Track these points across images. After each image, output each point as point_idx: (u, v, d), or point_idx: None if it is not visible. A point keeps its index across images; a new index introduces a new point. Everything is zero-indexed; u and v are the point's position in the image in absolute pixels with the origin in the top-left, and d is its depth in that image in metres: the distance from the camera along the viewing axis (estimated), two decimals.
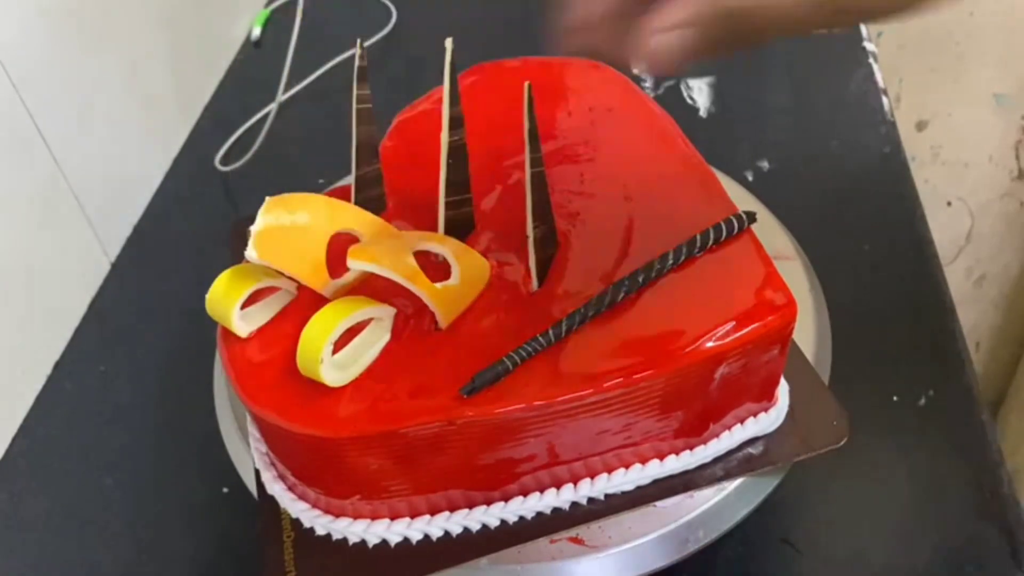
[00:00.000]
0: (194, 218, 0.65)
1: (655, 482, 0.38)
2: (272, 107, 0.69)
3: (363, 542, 0.36)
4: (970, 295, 1.23)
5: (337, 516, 0.37)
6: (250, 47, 0.80)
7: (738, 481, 0.39)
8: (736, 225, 0.38)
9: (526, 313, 0.37)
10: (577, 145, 0.45)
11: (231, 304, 0.35)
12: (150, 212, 0.64)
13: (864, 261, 0.56)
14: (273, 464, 0.39)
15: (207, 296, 0.36)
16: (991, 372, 1.27)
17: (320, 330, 0.33)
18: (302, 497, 0.37)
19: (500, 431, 0.34)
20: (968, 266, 1.21)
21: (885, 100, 0.69)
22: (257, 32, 0.80)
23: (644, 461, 0.38)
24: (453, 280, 0.36)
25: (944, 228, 1.16)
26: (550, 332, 0.34)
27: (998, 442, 0.46)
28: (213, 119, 0.72)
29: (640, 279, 0.36)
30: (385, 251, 0.35)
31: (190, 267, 0.61)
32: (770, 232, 0.52)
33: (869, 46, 0.75)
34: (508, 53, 0.51)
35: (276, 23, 0.81)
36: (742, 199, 0.55)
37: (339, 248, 0.36)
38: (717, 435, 0.38)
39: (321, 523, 0.37)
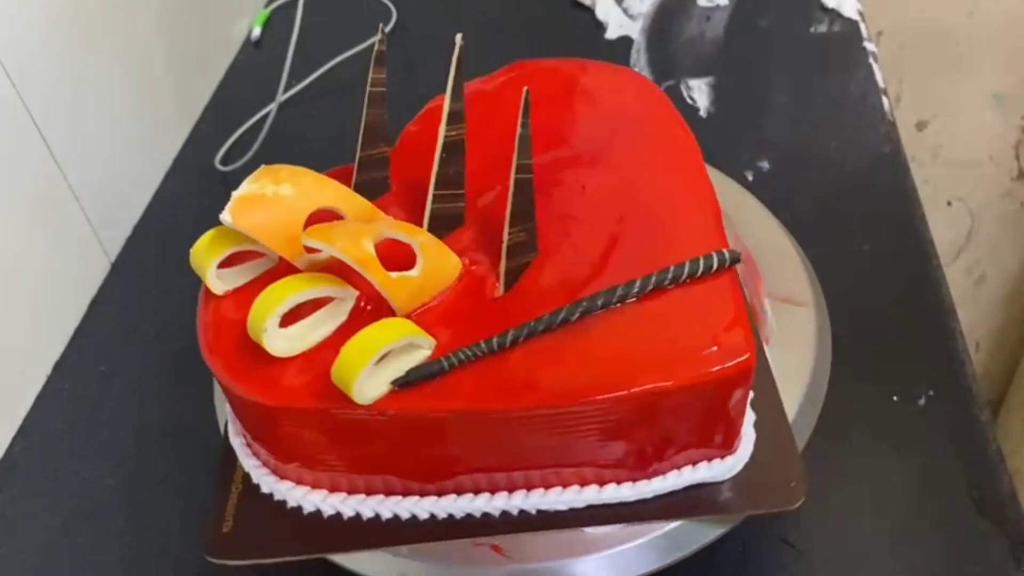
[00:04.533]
0: (194, 218, 0.64)
1: (591, 507, 0.37)
2: (272, 107, 0.69)
3: (300, 507, 0.38)
4: (970, 295, 1.23)
5: (281, 478, 0.38)
6: (250, 47, 0.80)
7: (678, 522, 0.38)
8: (716, 263, 0.36)
9: (484, 316, 0.36)
10: (589, 153, 0.44)
11: (209, 261, 0.37)
12: (150, 212, 0.64)
13: (864, 261, 0.56)
14: (233, 417, 0.40)
15: (191, 251, 0.37)
16: (991, 372, 1.27)
17: (271, 300, 0.34)
18: (255, 454, 0.39)
19: (430, 429, 0.34)
20: (968, 266, 1.21)
21: (885, 100, 0.69)
22: (257, 32, 0.80)
23: (583, 484, 0.37)
24: (414, 272, 0.36)
25: (944, 228, 1.16)
26: (494, 340, 0.34)
27: (998, 442, 0.46)
28: (213, 119, 0.72)
29: (599, 302, 0.35)
30: (343, 233, 0.35)
31: (190, 267, 0.60)
32: (770, 232, 0.52)
33: (869, 46, 0.75)
34: (508, 53, 0.51)
35: (276, 23, 0.81)
36: (742, 199, 0.55)
37: (318, 224, 0.36)
38: (662, 473, 0.37)
39: (266, 482, 0.38)
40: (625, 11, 0.81)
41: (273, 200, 0.36)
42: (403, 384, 0.33)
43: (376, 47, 0.40)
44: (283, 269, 0.37)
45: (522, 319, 0.35)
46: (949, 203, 1.17)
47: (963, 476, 0.44)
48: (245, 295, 0.37)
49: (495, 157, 0.39)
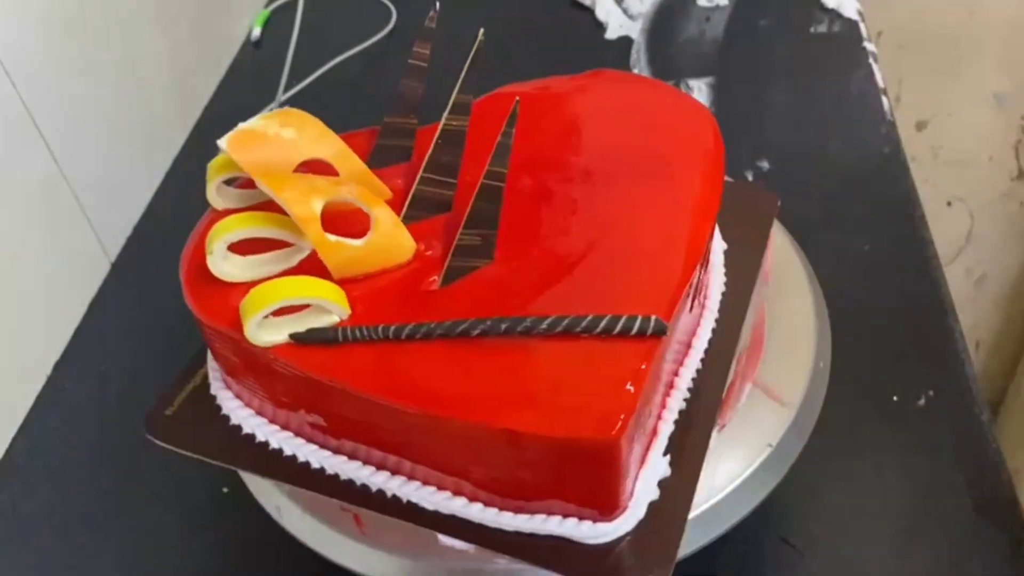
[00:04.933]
0: (194, 218, 0.65)
1: (454, 516, 0.36)
2: (272, 107, 0.69)
3: (228, 417, 0.40)
4: (970, 295, 1.23)
5: (225, 388, 0.41)
6: (250, 47, 0.80)
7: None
8: (637, 328, 0.34)
9: (407, 304, 0.37)
10: (604, 171, 0.42)
11: (215, 176, 0.39)
12: (150, 212, 0.64)
13: (864, 261, 0.56)
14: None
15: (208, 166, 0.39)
16: (991, 372, 1.27)
17: (226, 225, 0.36)
18: (217, 357, 0.41)
19: (316, 389, 0.35)
20: (968, 266, 1.21)
21: (885, 100, 0.69)
22: (257, 32, 0.80)
23: (455, 493, 0.36)
24: (357, 242, 0.36)
25: (944, 228, 1.16)
26: (392, 329, 0.35)
27: (998, 442, 0.46)
28: (213, 119, 0.72)
29: (502, 327, 0.34)
30: (296, 185, 0.36)
31: None
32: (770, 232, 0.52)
33: (869, 46, 0.75)
34: (508, 53, 0.51)
35: (276, 23, 0.81)
36: None
37: (311, 171, 0.38)
38: (524, 511, 0.36)
39: (215, 386, 0.41)
40: (625, 11, 0.81)
41: (273, 140, 0.38)
42: (298, 339, 0.35)
43: (426, 23, 0.41)
44: (273, 205, 0.39)
45: (438, 317, 0.35)
46: (949, 203, 1.17)
47: (963, 476, 0.44)
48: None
49: (522, 160, 0.38)
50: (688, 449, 0.38)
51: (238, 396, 0.41)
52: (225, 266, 0.37)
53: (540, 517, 0.36)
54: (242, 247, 0.37)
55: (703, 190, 0.42)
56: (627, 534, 0.35)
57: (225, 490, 0.46)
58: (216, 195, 0.40)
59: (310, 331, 0.35)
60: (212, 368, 0.42)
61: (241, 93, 0.74)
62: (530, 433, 0.32)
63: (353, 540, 0.39)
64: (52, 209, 0.54)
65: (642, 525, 0.36)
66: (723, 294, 0.44)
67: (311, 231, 0.35)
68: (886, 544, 0.42)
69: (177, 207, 0.65)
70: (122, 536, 0.46)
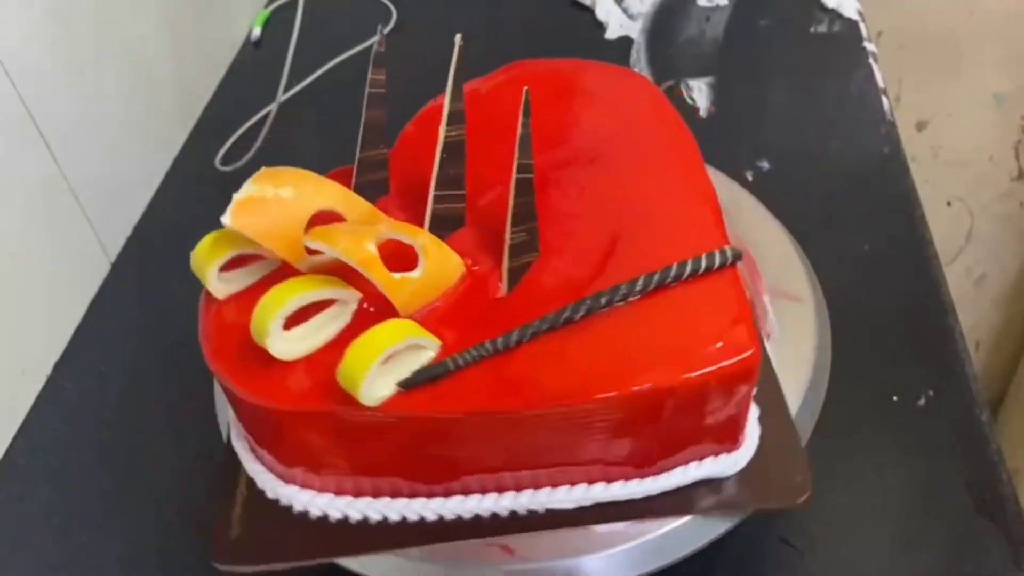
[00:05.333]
0: (194, 218, 0.64)
1: (599, 505, 0.37)
2: (272, 107, 0.69)
3: (306, 512, 0.37)
4: (970, 295, 1.23)
5: (287, 483, 0.38)
6: (250, 47, 0.80)
7: (687, 518, 0.38)
8: (718, 260, 0.36)
9: (488, 317, 0.36)
10: (589, 154, 0.44)
11: (210, 265, 0.37)
12: (150, 212, 0.64)
13: (864, 261, 0.56)
14: (235, 422, 0.40)
15: (191, 255, 0.37)
16: (991, 372, 1.27)
17: (272, 303, 0.34)
18: (259, 459, 0.38)
19: (436, 430, 0.34)
20: (968, 266, 1.21)
21: (885, 100, 0.69)
22: (257, 32, 0.80)
23: (590, 482, 0.37)
24: (416, 273, 0.36)
25: (944, 228, 1.16)
26: (499, 341, 0.34)
27: (998, 442, 0.46)
28: (213, 119, 0.72)
29: (603, 301, 0.35)
30: (346, 235, 0.35)
31: (190, 267, 0.60)
32: (770, 232, 0.52)
33: (869, 46, 0.75)
34: (508, 53, 0.51)
35: (276, 23, 0.81)
36: (742, 199, 0.55)
37: (320, 225, 0.36)
38: (668, 470, 0.37)
39: (271, 486, 0.38)
40: (625, 11, 0.81)
41: (274, 202, 0.36)
42: (409, 385, 0.33)
43: (375, 48, 0.39)
44: (284, 272, 0.37)
45: (526, 319, 0.35)
46: (949, 203, 1.17)
47: (963, 476, 0.44)
48: (247, 299, 0.37)
49: (493, 157, 0.39)
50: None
51: (306, 485, 0.38)
52: (284, 345, 0.35)
53: (679, 471, 0.37)
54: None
55: (680, 139, 0.44)
56: (753, 457, 0.38)
57: None
58: (218, 284, 0.38)
59: (418, 372, 0.33)
60: (257, 471, 0.39)
61: (241, 93, 0.74)
62: (681, 383, 0.33)
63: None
64: (52, 209, 0.54)
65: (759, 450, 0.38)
66: None
67: (377, 274, 0.34)
68: (886, 544, 0.42)
69: (177, 207, 0.65)
70: (122, 536, 0.46)
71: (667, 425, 0.35)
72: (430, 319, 0.36)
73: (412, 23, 0.81)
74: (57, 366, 0.54)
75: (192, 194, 0.66)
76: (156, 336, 0.56)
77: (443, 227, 0.39)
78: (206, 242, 0.37)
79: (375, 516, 0.37)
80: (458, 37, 0.37)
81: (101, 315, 0.57)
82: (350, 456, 0.36)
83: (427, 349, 0.34)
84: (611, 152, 0.44)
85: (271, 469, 0.38)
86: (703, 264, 0.36)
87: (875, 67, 0.72)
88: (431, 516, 0.37)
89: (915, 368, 0.49)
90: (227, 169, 0.66)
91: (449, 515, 0.37)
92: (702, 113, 0.69)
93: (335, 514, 0.37)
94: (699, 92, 0.72)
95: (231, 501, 0.39)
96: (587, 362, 0.34)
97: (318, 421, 0.34)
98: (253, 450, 0.39)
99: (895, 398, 0.48)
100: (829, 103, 0.70)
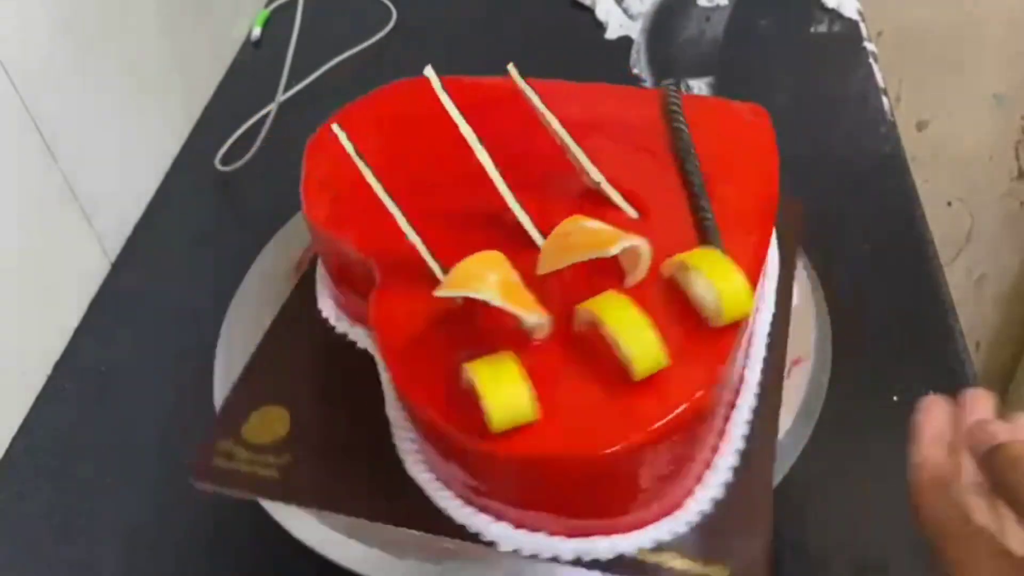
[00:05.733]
0: (194, 218, 0.65)
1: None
2: (272, 107, 0.69)
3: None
4: (970, 295, 1.23)
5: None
6: (250, 47, 0.80)
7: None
8: None
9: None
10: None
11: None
12: (150, 212, 0.64)
13: (864, 261, 0.56)
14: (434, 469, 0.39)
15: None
16: (991, 372, 1.27)
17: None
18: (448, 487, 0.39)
19: None
20: (968, 266, 1.21)
21: (885, 100, 0.69)
22: (257, 32, 0.80)
23: (568, 536, 0.37)
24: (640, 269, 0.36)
25: (944, 228, 1.16)
26: None
27: None
28: (213, 119, 0.72)
29: None
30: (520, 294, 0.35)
31: (190, 267, 0.61)
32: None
33: (869, 46, 0.75)
34: (508, 53, 0.51)
35: (276, 23, 0.81)
36: None
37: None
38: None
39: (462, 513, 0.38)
40: (625, 11, 0.81)
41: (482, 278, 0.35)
42: None
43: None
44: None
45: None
46: (949, 203, 1.17)
47: None
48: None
49: (514, 156, 0.39)
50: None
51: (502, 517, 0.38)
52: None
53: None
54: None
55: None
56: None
57: None
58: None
59: None
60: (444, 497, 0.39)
61: (241, 93, 0.74)
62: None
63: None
64: (52, 209, 0.54)
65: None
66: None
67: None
68: (886, 544, 0.42)
69: (177, 207, 0.65)
70: (122, 536, 0.46)
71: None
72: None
73: (412, 23, 0.81)
74: (57, 366, 0.54)
75: (192, 194, 0.66)
76: (156, 336, 0.56)
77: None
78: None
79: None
80: (428, 68, 0.37)
81: (101, 315, 0.57)
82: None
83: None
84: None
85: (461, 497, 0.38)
86: None
87: (875, 67, 0.72)
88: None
89: (915, 368, 0.49)
90: (227, 169, 0.66)
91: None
92: None
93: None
94: (699, 92, 0.72)
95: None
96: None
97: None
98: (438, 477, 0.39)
99: (895, 398, 0.48)
100: (829, 103, 0.70)
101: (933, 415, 0.37)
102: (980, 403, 0.36)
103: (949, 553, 0.32)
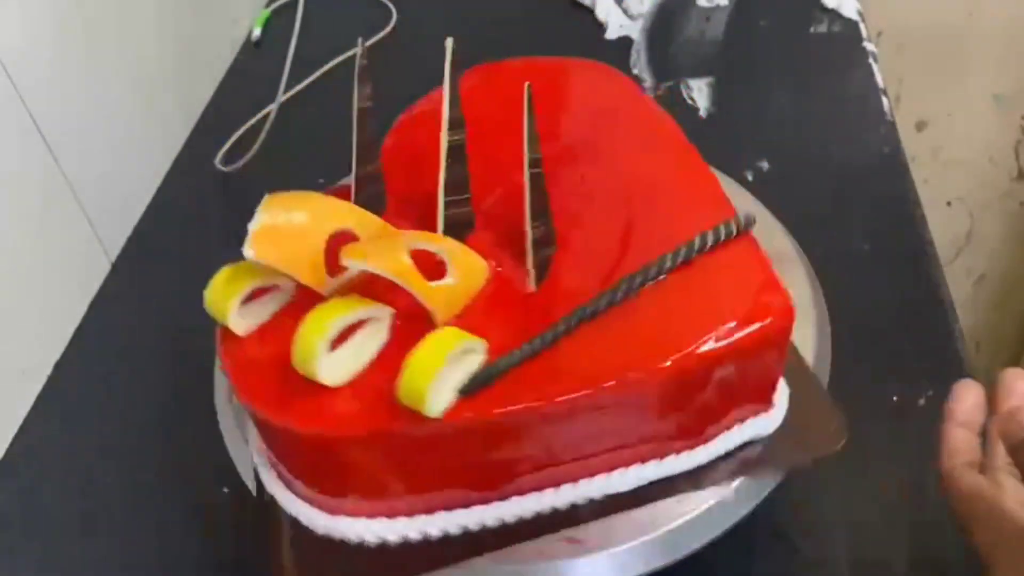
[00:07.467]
0: (194, 218, 0.65)
1: (653, 483, 0.38)
2: (272, 107, 0.69)
3: (362, 541, 0.36)
4: (970, 295, 1.23)
5: (334, 514, 0.36)
6: (250, 47, 0.80)
7: (737, 481, 0.39)
8: (735, 228, 0.38)
9: (524, 313, 0.37)
10: (578, 146, 0.45)
11: (228, 302, 0.36)
12: (150, 212, 0.64)
13: (864, 261, 0.56)
14: (272, 463, 0.39)
15: (205, 294, 0.36)
16: (991, 372, 1.26)
17: (315, 328, 0.33)
18: (300, 495, 0.37)
19: (497, 432, 0.34)
20: (968, 266, 1.21)
21: (885, 100, 0.69)
22: (257, 32, 0.80)
23: (643, 461, 0.37)
24: (449, 279, 0.36)
25: (944, 228, 1.17)
26: (548, 333, 0.34)
27: None
28: (213, 119, 0.72)
29: (638, 280, 0.36)
30: (379, 249, 0.35)
31: (190, 267, 0.60)
32: (770, 232, 0.52)
33: (869, 46, 0.75)
34: (509, 52, 0.51)
35: (276, 23, 0.81)
36: (742, 199, 0.55)
37: (337, 247, 0.35)
38: (715, 437, 0.38)
39: (319, 522, 0.37)
40: (625, 11, 0.81)
41: (289, 228, 0.35)
42: (469, 390, 0.33)
43: (358, 62, 0.39)
44: (303, 298, 0.36)
45: (562, 310, 0.35)
46: (949, 203, 1.17)
47: None
48: (268, 331, 0.36)
49: (482, 161, 0.39)
50: None
51: (357, 514, 0.36)
52: (333, 370, 0.34)
53: (722, 437, 0.38)
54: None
55: (659, 122, 0.46)
56: (786, 414, 0.40)
57: (225, 490, 0.46)
58: (239, 319, 0.36)
59: (476, 376, 0.33)
60: (302, 511, 0.37)
61: (241, 93, 0.74)
62: (730, 349, 0.35)
63: (593, 556, 0.37)
64: (52, 209, 0.54)
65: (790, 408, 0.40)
66: None
67: (417, 284, 0.34)
68: (885, 544, 0.42)
69: (177, 207, 0.65)
70: (123, 536, 0.46)
71: (713, 392, 0.36)
72: (467, 322, 0.35)
73: (412, 23, 0.81)
74: (57, 366, 0.54)
75: (192, 194, 0.66)
76: (156, 336, 0.56)
77: (456, 232, 0.39)
78: (220, 278, 0.36)
79: (434, 532, 0.36)
80: (449, 41, 0.37)
81: (101, 315, 0.57)
82: (404, 474, 0.35)
83: (477, 352, 0.34)
84: (598, 143, 0.45)
85: (314, 504, 0.37)
86: (722, 233, 0.38)
87: (875, 67, 0.73)
88: (491, 522, 0.37)
89: (915, 368, 0.49)
90: (227, 169, 0.66)
91: (509, 517, 0.37)
92: (702, 113, 0.69)
93: (392, 537, 0.36)
94: (699, 92, 0.72)
95: (277, 547, 0.37)
96: (634, 342, 0.35)
97: (373, 442, 0.34)
98: (290, 486, 0.38)
99: (895, 398, 0.48)
100: (829, 103, 0.70)
101: (965, 399, 0.37)
102: (1017, 387, 0.36)
103: (978, 536, 0.32)
